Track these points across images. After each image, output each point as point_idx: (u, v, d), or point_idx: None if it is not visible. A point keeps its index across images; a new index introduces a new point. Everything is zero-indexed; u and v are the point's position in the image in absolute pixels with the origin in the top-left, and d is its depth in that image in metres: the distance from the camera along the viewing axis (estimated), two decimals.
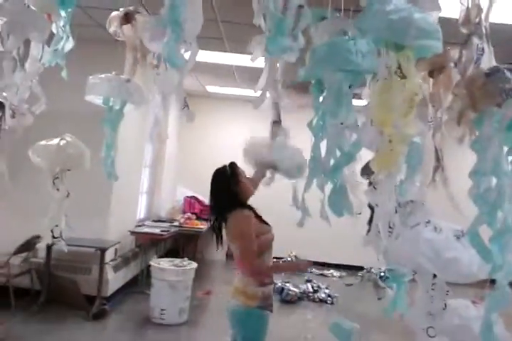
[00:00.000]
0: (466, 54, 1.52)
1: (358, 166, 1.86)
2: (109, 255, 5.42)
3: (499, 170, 1.33)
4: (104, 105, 2.79)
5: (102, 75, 2.67)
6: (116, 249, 5.73)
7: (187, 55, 1.93)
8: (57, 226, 2.74)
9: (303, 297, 6.51)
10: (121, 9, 2.82)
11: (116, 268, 5.64)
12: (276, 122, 2.47)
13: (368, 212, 2.04)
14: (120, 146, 2.74)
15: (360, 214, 2.17)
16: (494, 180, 1.36)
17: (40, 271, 5.23)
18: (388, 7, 1.38)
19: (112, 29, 2.90)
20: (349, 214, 1.73)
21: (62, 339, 4.51)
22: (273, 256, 7.25)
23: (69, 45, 2.41)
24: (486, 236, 1.54)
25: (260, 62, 2.02)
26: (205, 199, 8.12)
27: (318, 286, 6.80)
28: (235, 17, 4.21)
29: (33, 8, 2.22)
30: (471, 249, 1.64)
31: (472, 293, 2.19)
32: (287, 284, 6.67)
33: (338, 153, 1.61)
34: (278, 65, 2.11)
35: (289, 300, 6.36)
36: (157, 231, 6.35)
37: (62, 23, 2.33)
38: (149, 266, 5.36)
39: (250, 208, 2.72)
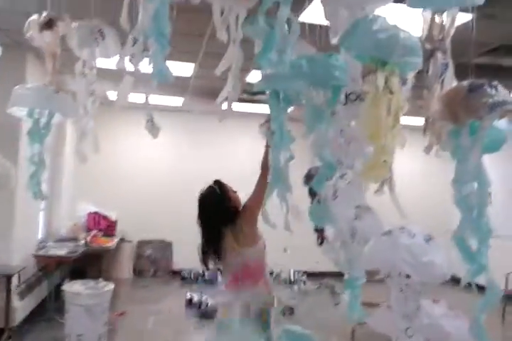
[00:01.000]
0: (432, 69, 1.62)
1: None
2: (13, 281, 4.96)
3: (481, 177, 1.43)
4: (28, 117, 2.59)
5: (29, 85, 2.47)
6: (19, 275, 5.27)
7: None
8: None
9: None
10: (43, 14, 2.63)
11: (21, 295, 5.18)
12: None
13: None
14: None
15: None
16: (474, 187, 1.47)
17: None
18: (375, 26, 1.43)
19: (29, 33, 2.70)
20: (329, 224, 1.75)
21: None
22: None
23: None
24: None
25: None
26: (110, 214, 7.77)
27: None
28: None
29: None
30: (439, 251, 1.75)
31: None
32: (203, 297, 6.58)
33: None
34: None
35: (209, 313, 6.24)
36: (63, 253, 5.93)
37: None
38: (60, 290, 5.00)
39: None
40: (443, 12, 1.57)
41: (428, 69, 1.58)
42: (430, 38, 1.58)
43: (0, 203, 4.11)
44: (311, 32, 2.58)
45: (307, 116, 1.66)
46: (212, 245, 2.63)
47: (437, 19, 1.56)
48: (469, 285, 1.56)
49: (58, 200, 7.37)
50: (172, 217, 8.60)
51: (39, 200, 2.65)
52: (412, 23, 1.91)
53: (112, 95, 7.35)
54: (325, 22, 1.77)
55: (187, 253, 8.39)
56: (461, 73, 1.66)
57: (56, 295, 5.69)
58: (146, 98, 2.00)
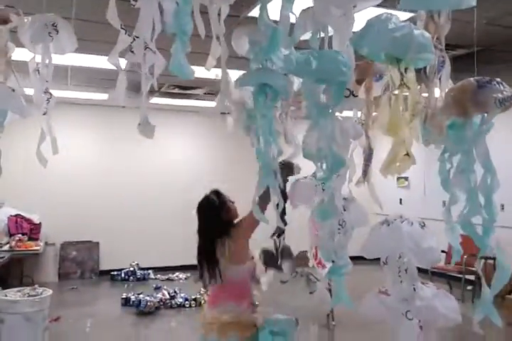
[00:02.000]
0: (429, 66, 1.72)
1: None
2: None
3: (487, 166, 1.56)
4: None
5: None
6: None
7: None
8: None
9: (159, 306, 6.35)
10: None
11: None
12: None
13: None
14: None
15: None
16: (478, 177, 1.60)
17: None
18: (390, 25, 1.50)
19: None
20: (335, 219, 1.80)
21: None
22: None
23: None
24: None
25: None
26: (33, 216, 7.34)
27: (175, 291, 6.71)
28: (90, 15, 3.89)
29: None
30: (434, 237, 1.88)
31: None
32: (140, 295, 6.45)
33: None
34: None
35: (147, 311, 6.15)
36: None
37: None
38: None
39: None
40: (438, 11, 1.67)
41: (426, 66, 1.67)
42: None
43: None
44: None
45: (311, 112, 1.69)
46: (207, 254, 2.52)
47: (435, 18, 1.66)
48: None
49: None
50: (98, 218, 8.31)
51: None
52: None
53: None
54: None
55: (115, 253, 8.26)
56: None
57: None
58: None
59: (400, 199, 8.88)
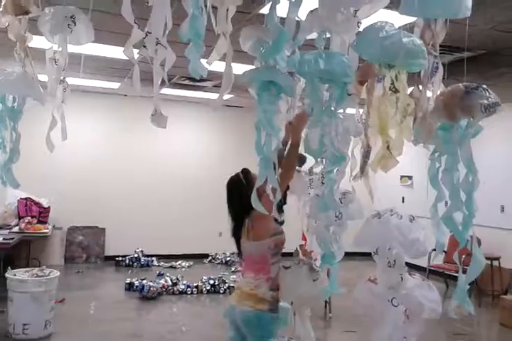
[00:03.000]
0: (423, 70, 1.83)
1: None
2: None
3: (470, 167, 1.68)
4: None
5: (7, 71, 2.41)
6: None
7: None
8: None
9: (162, 291, 6.52)
10: None
11: None
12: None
13: None
14: None
15: None
16: (461, 175, 1.72)
17: None
18: (381, 34, 1.62)
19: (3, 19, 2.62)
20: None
21: None
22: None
23: None
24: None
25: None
26: (42, 200, 7.51)
27: (177, 278, 6.88)
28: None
29: None
30: (421, 230, 2.00)
31: None
32: (143, 281, 6.63)
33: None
34: None
35: (150, 296, 6.32)
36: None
37: None
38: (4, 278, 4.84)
39: None
40: (435, 19, 1.79)
41: (420, 70, 1.78)
42: (423, 42, 1.78)
43: None
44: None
45: (315, 109, 1.82)
46: (236, 230, 2.72)
47: (431, 25, 1.78)
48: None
49: None
50: (106, 204, 8.49)
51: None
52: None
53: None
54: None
55: (120, 240, 8.45)
56: None
57: None
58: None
59: (403, 198, 8.98)
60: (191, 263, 8.49)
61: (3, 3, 2.62)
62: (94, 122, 8.69)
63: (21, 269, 5.03)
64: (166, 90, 7.90)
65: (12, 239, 5.86)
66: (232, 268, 8.23)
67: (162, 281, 6.70)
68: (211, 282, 6.82)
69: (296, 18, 1.74)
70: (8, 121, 2.61)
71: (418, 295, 2.05)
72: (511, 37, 4.04)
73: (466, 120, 1.72)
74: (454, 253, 1.96)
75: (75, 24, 2.65)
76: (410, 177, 8.82)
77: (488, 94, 1.66)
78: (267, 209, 2.06)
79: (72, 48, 2.66)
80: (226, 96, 8.32)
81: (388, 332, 1.95)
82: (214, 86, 7.09)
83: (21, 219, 6.84)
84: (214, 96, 7.81)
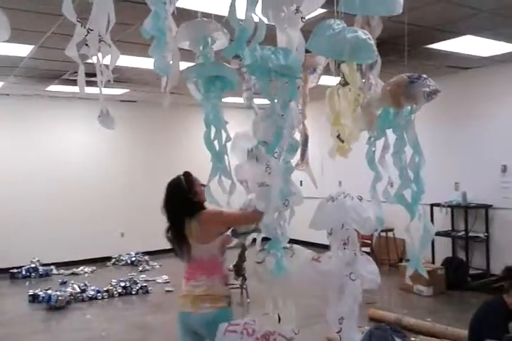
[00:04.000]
0: (364, 64, 2.00)
1: None
2: None
3: (416, 148, 1.89)
4: None
5: None
6: None
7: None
8: None
9: (70, 300, 6.22)
10: None
11: None
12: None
13: None
14: None
15: None
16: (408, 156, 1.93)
17: None
18: (328, 32, 1.76)
19: None
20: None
21: None
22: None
23: None
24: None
25: None
26: None
27: (85, 285, 6.60)
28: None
29: None
30: (370, 209, 2.20)
31: None
32: (49, 291, 6.28)
33: None
34: None
35: (59, 306, 6.01)
36: None
37: None
38: None
39: None
40: (372, 16, 1.96)
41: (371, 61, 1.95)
42: None
43: None
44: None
45: (272, 103, 1.91)
46: (173, 232, 2.67)
47: (370, 21, 1.94)
48: None
49: None
50: None
51: None
52: None
53: None
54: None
55: (12, 250, 7.85)
56: None
57: None
58: None
59: (301, 181, 9.40)
60: (94, 267, 8.17)
61: None
62: None
63: None
64: (53, 87, 7.49)
65: None
66: (140, 268, 8.08)
67: (69, 289, 6.41)
68: (122, 284, 6.65)
69: (254, 16, 1.80)
70: None
71: (359, 268, 2.25)
72: (400, 27, 4.48)
73: (409, 106, 1.92)
74: None
75: None
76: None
77: (428, 82, 1.88)
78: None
79: None
80: (120, 91, 8.10)
81: (348, 304, 2.13)
82: (108, 80, 6.85)
83: None
84: (107, 91, 7.57)
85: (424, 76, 1.89)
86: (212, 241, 2.62)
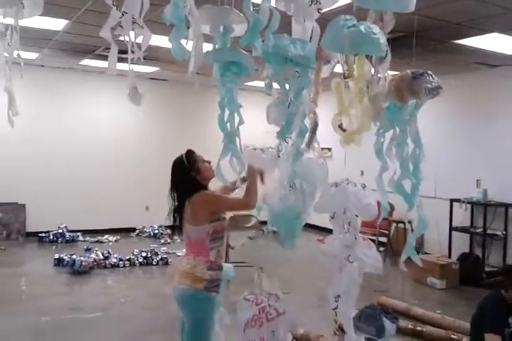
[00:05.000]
0: (375, 57, 2.08)
1: None
2: None
3: (417, 141, 1.98)
4: None
5: None
6: None
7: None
8: None
9: (93, 266, 6.53)
10: None
11: None
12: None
13: None
14: None
15: None
16: (410, 148, 2.02)
17: None
18: (333, 27, 1.86)
19: None
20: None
21: None
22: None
23: None
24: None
25: None
26: None
27: (108, 252, 6.90)
28: None
29: None
30: (371, 196, 2.30)
31: None
32: (73, 256, 6.60)
33: None
34: None
35: (82, 271, 6.32)
36: None
37: None
38: None
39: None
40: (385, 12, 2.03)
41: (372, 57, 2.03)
42: None
43: None
44: None
45: (283, 91, 2.03)
46: (177, 211, 2.79)
47: (384, 16, 2.02)
48: None
49: None
50: (24, 179, 8.19)
51: None
52: None
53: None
54: None
55: (42, 216, 8.25)
56: None
57: None
58: None
59: None
60: (118, 237, 8.49)
61: None
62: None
63: None
64: (86, 61, 7.71)
65: None
66: (162, 241, 8.36)
67: (93, 255, 6.71)
68: (143, 254, 6.93)
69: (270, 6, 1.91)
70: None
71: (359, 253, 2.36)
72: (427, 21, 4.47)
73: (413, 101, 2.01)
74: None
75: None
76: (330, 149, 9.33)
77: (432, 79, 1.95)
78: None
79: None
80: (151, 69, 8.27)
81: (345, 284, 2.26)
82: (139, 58, 7.03)
83: None
84: (139, 68, 7.75)
85: (429, 72, 1.97)
86: (202, 224, 2.67)
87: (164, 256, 7.01)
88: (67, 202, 8.48)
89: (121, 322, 4.72)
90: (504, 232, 6.60)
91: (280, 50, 1.90)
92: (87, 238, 8.32)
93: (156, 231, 8.72)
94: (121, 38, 2.15)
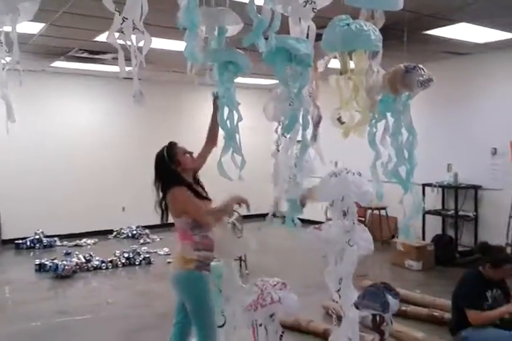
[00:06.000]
0: (368, 52, 2.22)
1: None
2: None
3: (411, 130, 2.13)
4: None
5: None
6: None
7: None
8: None
9: (76, 269, 6.50)
10: None
11: None
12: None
13: None
14: None
15: None
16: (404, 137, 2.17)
17: None
18: (328, 28, 1.98)
19: None
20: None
21: None
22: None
23: None
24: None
25: None
26: None
27: (90, 255, 6.87)
28: None
29: None
30: (369, 183, 2.45)
31: None
32: (55, 260, 6.55)
33: None
34: None
35: (65, 275, 6.29)
36: None
37: None
38: None
39: (189, 185, 2.89)
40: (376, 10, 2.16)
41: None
42: None
43: None
44: None
45: (285, 89, 2.14)
46: (160, 202, 2.91)
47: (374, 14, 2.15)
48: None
49: None
50: None
51: None
52: None
53: None
54: None
55: (18, 222, 8.12)
56: None
57: None
58: None
59: None
60: (96, 240, 8.44)
61: None
62: None
63: None
64: (58, 63, 7.62)
65: None
66: (141, 241, 8.37)
67: (75, 259, 6.67)
68: (126, 255, 6.93)
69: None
70: None
71: (355, 236, 2.51)
72: (400, 14, 4.65)
73: (406, 93, 2.17)
74: None
75: None
76: None
77: (423, 72, 2.11)
78: None
79: None
80: (126, 69, 8.24)
81: (347, 266, 2.40)
82: (114, 58, 7.01)
83: None
84: (112, 68, 7.70)
85: (420, 66, 2.12)
86: (179, 216, 2.85)
87: (147, 256, 7.04)
88: (42, 207, 8.37)
89: (111, 322, 4.76)
90: (475, 213, 6.93)
91: (291, 49, 2.01)
92: (65, 242, 8.24)
93: (134, 232, 8.71)
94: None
